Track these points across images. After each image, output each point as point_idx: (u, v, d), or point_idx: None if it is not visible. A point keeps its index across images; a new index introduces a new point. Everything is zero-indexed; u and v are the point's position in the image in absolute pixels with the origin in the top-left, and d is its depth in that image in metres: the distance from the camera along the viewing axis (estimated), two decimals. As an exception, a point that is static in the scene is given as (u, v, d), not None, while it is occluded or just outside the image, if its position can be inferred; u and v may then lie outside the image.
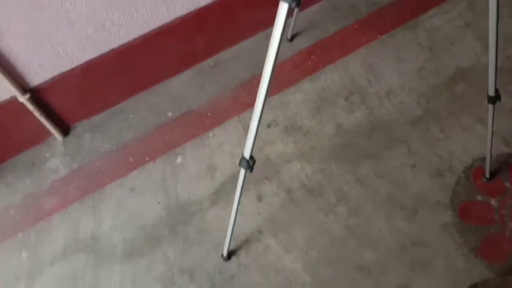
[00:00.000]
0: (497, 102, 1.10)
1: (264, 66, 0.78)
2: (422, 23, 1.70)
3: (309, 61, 1.66)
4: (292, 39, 1.72)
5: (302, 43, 1.71)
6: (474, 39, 1.61)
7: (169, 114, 1.60)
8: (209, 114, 1.58)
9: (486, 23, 0.94)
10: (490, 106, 1.12)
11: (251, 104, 0.82)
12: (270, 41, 0.74)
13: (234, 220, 1.13)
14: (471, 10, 1.68)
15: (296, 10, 1.56)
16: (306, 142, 1.47)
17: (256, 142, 1.44)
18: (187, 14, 1.54)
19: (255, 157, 0.96)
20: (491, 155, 1.25)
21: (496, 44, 0.97)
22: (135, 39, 1.51)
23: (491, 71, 1.02)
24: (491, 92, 1.07)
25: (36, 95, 1.45)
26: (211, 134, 1.53)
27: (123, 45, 1.51)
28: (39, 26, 1.31)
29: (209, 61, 1.72)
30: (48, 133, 1.56)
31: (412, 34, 1.67)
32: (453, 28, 1.66)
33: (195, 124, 1.56)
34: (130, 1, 1.40)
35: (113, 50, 1.50)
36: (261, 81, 0.81)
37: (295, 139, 1.48)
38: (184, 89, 1.66)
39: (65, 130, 1.60)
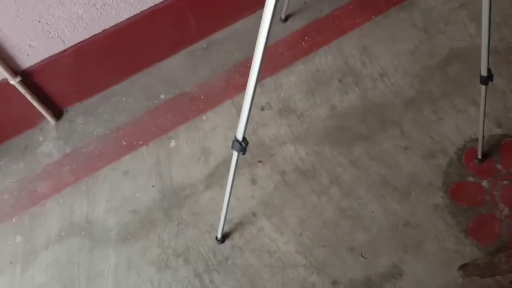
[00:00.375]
0: (490, 84, 1.10)
1: (255, 49, 0.77)
2: (417, 3, 1.68)
3: (303, 43, 1.64)
4: (286, 19, 1.70)
5: (296, 24, 1.69)
6: (469, 20, 1.60)
7: (162, 96, 1.59)
8: (202, 96, 1.57)
9: (481, 4, 0.93)
10: (483, 87, 1.12)
11: (244, 87, 0.82)
12: (261, 23, 0.73)
13: (228, 203, 1.13)
14: (466, -10, 1.67)
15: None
16: (300, 124, 1.47)
17: (250, 125, 1.46)
18: (179, -6, 1.52)
19: (249, 140, 0.95)
20: (483, 137, 1.26)
21: (489, 23, 0.96)
22: (127, 20, 1.49)
23: (484, 50, 1.02)
24: (484, 72, 1.07)
25: (28, 77, 1.43)
26: (204, 117, 1.52)
27: (114, 26, 1.48)
28: (29, 7, 1.29)
29: (202, 43, 1.70)
30: (40, 117, 1.55)
31: (407, 14, 1.65)
32: (448, 9, 1.64)
33: (189, 107, 1.55)
34: (121, -20, 1.38)
35: (104, 31, 1.48)
36: (252, 65, 0.80)
37: (289, 121, 1.48)
38: (177, 71, 1.64)
39: (57, 114, 1.59)
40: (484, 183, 1.29)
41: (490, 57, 1.04)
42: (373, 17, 1.67)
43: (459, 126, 1.39)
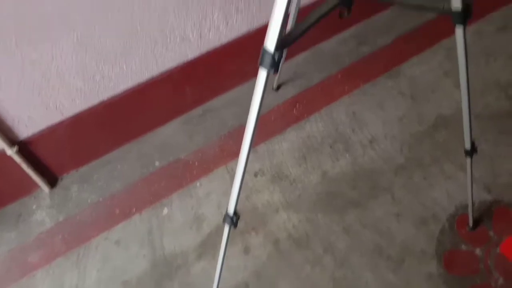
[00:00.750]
0: (478, 148, 1.14)
1: (248, 119, 0.80)
2: (403, 71, 1.75)
3: (295, 110, 1.69)
4: (278, 88, 1.77)
5: (287, 92, 1.76)
6: (454, 87, 1.67)
7: (157, 163, 1.61)
8: (196, 163, 1.59)
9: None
10: (468, 159, 1.15)
11: (238, 153, 0.84)
12: (253, 94, 0.77)
13: (219, 277, 1.12)
14: (449, 59, 1.75)
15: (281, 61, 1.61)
16: (293, 190, 1.48)
17: (244, 192, 1.47)
18: (175, 67, 1.59)
19: (242, 207, 0.97)
20: (473, 205, 1.27)
21: (469, 99, 1.01)
22: (124, 91, 1.54)
23: (465, 126, 1.06)
24: (467, 146, 1.10)
25: (24, 147, 1.46)
26: (198, 184, 1.54)
27: (112, 97, 1.54)
28: (30, 80, 1.34)
29: (198, 110, 1.76)
30: (35, 185, 1.56)
31: (394, 82, 1.72)
32: (433, 77, 1.71)
33: (183, 174, 1.57)
34: (120, 55, 1.44)
35: (102, 102, 1.53)
36: (245, 134, 0.82)
37: (281, 188, 1.49)
38: (172, 138, 1.68)
39: (52, 182, 1.60)
40: (477, 251, 1.28)
41: (476, 123, 1.08)
42: (361, 84, 1.74)
43: (449, 192, 1.41)
